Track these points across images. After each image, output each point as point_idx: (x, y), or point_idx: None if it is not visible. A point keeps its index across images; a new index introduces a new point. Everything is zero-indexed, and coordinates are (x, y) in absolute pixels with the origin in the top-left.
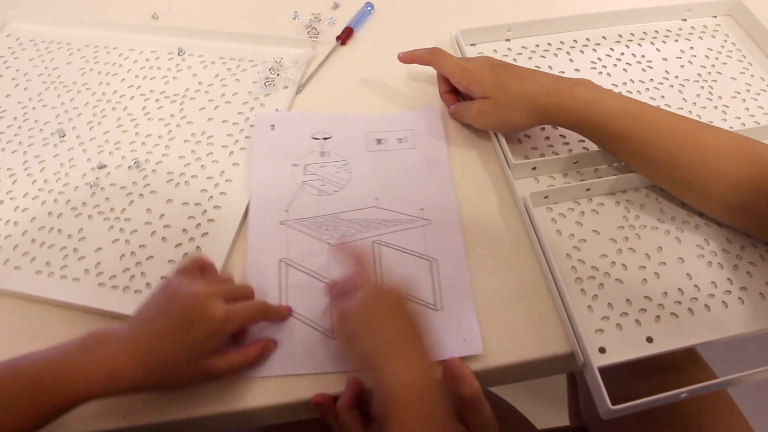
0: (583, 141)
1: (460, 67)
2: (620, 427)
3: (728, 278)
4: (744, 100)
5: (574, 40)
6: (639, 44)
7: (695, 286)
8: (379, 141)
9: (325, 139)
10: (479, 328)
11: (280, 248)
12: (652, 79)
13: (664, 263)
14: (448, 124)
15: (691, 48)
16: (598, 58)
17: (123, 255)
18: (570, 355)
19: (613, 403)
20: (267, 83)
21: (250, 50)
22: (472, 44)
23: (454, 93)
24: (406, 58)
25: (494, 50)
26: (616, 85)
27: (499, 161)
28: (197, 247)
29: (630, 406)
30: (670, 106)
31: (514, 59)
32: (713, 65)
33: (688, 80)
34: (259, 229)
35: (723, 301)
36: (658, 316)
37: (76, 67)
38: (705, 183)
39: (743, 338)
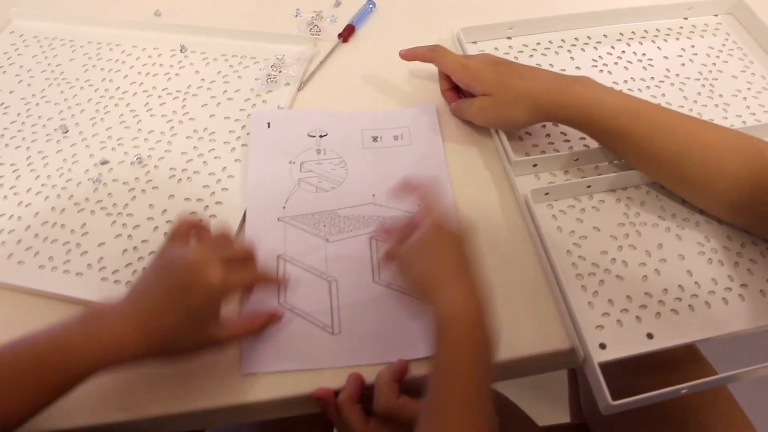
0: (584, 138)
1: (461, 64)
2: (621, 425)
3: (729, 275)
4: (745, 98)
5: (575, 39)
6: (640, 42)
7: (696, 282)
8: (375, 138)
9: (321, 136)
10: None
11: (278, 245)
12: (653, 78)
13: (665, 260)
14: (444, 121)
15: (692, 46)
16: (599, 56)
17: (125, 250)
18: (570, 350)
19: (614, 400)
20: (269, 80)
21: (252, 47)
22: (473, 42)
23: (455, 90)
24: (408, 55)
25: (495, 48)
26: (617, 84)
27: (500, 158)
28: None
29: (630, 401)
30: (670, 105)
31: (515, 57)
32: (714, 63)
33: (689, 78)
34: (257, 226)
35: (723, 298)
36: (658, 313)
37: (79, 64)
38: (706, 180)
39: (744, 335)
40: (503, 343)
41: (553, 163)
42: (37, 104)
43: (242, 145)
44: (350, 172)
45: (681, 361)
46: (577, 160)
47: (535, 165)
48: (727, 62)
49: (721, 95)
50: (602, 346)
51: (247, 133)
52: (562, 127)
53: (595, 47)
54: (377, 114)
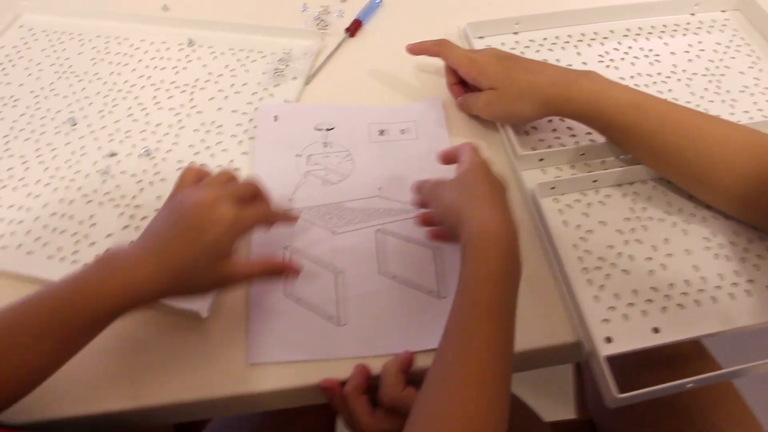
0: (591, 133)
1: (468, 58)
2: (627, 422)
3: (735, 270)
4: (752, 94)
5: (582, 34)
6: (647, 38)
7: (702, 277)
8: (381, 132)
9: (328, 130)
10: None
11: (284, 236)
12: (659, 73)
13: (671, 255)
14: (451, 115)
15: (699, 42)
16: (606, 52)
17: (133, 241)
18: (576, 344)
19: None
20: (276, 74)
21: (259, 42)
22: (480, 37)
23: (461, 84)
24: (415, 49)
25: (502, 43)
26: (624, 79)
27: (507, 152)
28: None
29: (636, 394)
30: (677, 100)
31: (521, 52)
32: (721, 59)
33: (695, 74)
34: None
35: (730, 293)
36: (664, 307)
37: (87, 58)
38: (712, 175)
39: (750, 331)
40: None
41: (559, 157)
42: (46, 97)
43: (249, 138)
44: (357, 166)
45: (687, 357)
46: (583, 154)
47: (541, 159)
48: (734, 58)
49: (728, 91)
50: (608, 340)
51: (255, 127)
52: (569, 122)
53: (601, 43)
54: (384, 108)
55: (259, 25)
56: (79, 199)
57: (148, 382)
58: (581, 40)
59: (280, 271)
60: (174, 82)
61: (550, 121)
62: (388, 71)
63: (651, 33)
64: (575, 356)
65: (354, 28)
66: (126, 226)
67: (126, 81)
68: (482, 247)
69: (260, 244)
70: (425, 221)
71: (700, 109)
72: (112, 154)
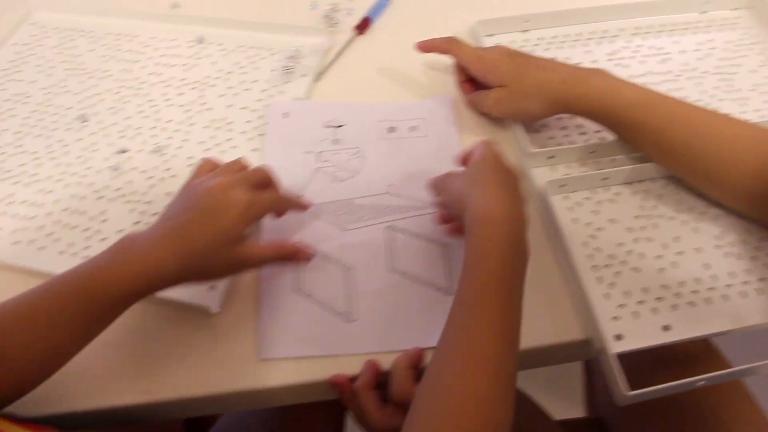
0: (601, 131)
1: (477, 56)
2: (637, 422)
3: (746, 269)
4: (763, 92)
5: (591, 32)
6: (656, 36)
7: (713, 276)
8: (391, 129)
9: (338, 127)
10: None
11: (294, 233)
12: (669, 71)
13: (682, 253)
14: (460, 113)
15: (710, 40)
16: (615, 50)
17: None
18: (586, 341)
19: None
20: (286, 71)
21: (269, 39)
22: (489, 35)
23: (471, 82)
24: (424, 47)
25: (511, 41)
26: (633, 77)
27: (516, 150)
28: None
29: (646, 392)
30: (687, 98)
31: (531, 50)
32: (732, 58)
33: (706, 72)
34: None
35: (741, 292)
36: (674, 305)
37: (98, 55)
38: (722, 172)
39: (761, 330)
40: None
41: (569, 155)
42: (57, 94)
43: (259, 135)
44: (366, 163)
45: (697, 357)
46: (593, 152)
47: (551, 157)
48: (745, 56)
49: (739, 89)
50: (618, 338)
51: (264, 124)
52: (579, 120)
53: (611, 41)
54: (393, 105)
55: (268, 22)
56: (90, 195)
57: (158, 376)
58: (591, 39)
59: (293, 255)
60: (184, 79)
61: (559, 118)
62: (398, 69)
63: (661, 31)
64: (585, 354)
65: (363, 26)
66: (137, 222)
67: (136, 78)
68: (484, 230)
69: (271, 240)
70: (443, 219)
71: (710, 107)
72: (123, 151)
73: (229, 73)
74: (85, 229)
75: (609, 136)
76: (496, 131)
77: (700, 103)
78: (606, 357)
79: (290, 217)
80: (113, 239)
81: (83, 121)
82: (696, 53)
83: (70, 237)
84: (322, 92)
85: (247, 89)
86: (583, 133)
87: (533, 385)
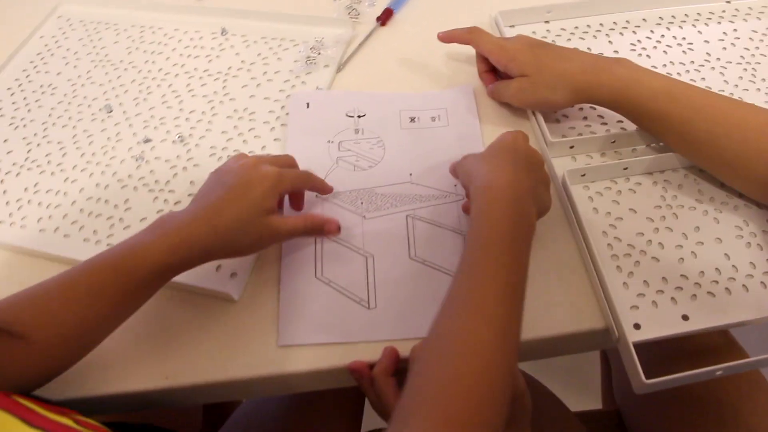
0: (622, 121)
1: (499, 46)
2: (654, 413)
3: (767, 259)
4: None
5: (614, 22)
6: (680, 26)
7: (733, 266)
8: (412, 119)
9: (360, 117)
10: None
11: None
12: (692, 61)
13: (702, 243)
14: (481, 103)
15: (735, 30)
16: (638, 40)
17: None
18: (605, 330)
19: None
20: (308, 62)
21: (291, 30)
22: (511, 26)
23: (492, 72)
24: (446, 37)
25: (533, 32)
26: (656, 67)
27: (537, 140)
28: None
29: (664, 380)
30: (711, 88)
31: (552, 41)
32: (757, 47)
33: (730, 62)
34: None
35: (762, 282)
36: (694, 295)
37: (123, 47)
38: (745, 162)
39: None
40: (538, 321)
41: (590, 144)
42: (82, 85)
43: (282, 125)
44: (388, 152)
45: (716, 348)
46: (614, 142)
47: (572, 147)
48: None
49: (763, 79)
50: (637, 327)
51: (287, 114)
52: (600, 110)
53: (634, 31)
54: (415, 95)
55: (291, 13)
56: (114, 184)
57: (179, 362)
58: (613, 29)
59: (322, 226)
60: (207, 70)
61: (581, 108)
62: (419, 59)
63: (684, 21)
64: (604, 343)
65: (385, 17)
66: (159, 210)
67: (160, 69)
68: (487, 196)
69: (290, 240)
70: (468, 208)
71: (734, 97)
72: (147, 141)
73: (252, 63)
74: (109, 217)
75: (630, 126)
76: (518, 121)
77: (723, 93)
78: (624, 346)
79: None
80: (136, 227)
81: (108, 112)
82: (720, 43)
83: (94, 225)
84: (344, 83)
85: (269, 80)
86: (605, 123)
87: (551, 377)
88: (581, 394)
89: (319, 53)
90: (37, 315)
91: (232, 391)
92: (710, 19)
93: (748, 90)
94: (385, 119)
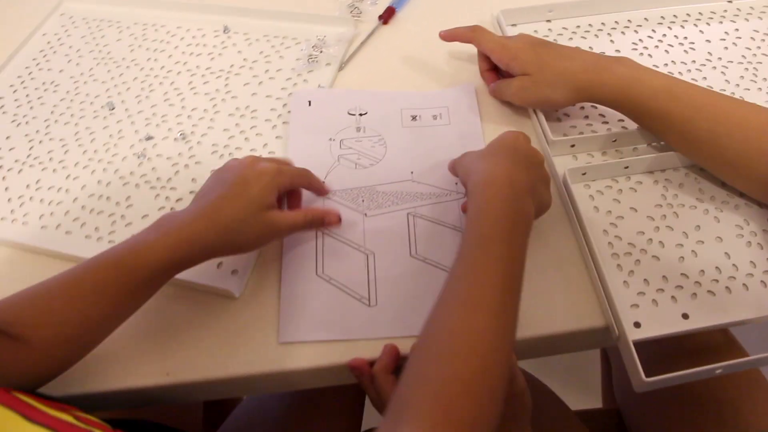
0: (623, 120)
1: (501, 44)
2: (654, 412)
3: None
4: None
5: (616, 22)
6: (682, 26)
7: (733, 265)
8: (414, 118)
9: (361, 115)
10: None
11: None
12: (694, 61)
13: (702, 242)
14: (483, 101)
15: (736, 30)
16: (640, 40)
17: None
18: (605, 328)
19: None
20: (310, 60)
21: (293, 28)
22: (513, 25)
23: (494, 71)
24: (447, 35)
25: (535, 31)
26: (658, 66)
27: (538, 138)
28: None
29: (664, 378)
30: (712, 88)
31: (554, 40)
32: (759, 47)
33: (731, 62)
34: None
35: (762, 281)
36: (694, 294)
37: (125, 44)
38: (746, 161)
39: None
40: (538, 319)
41: (591, 143)
42: (85, 82)
43: (283, 123)
44: (389, 150)
45: (716, 347)
46: (615, 141)
47: (573, 145)
48: None
49: (765, 79)
50: (637, 325)
51: (288, 111)
52: (601, 109)
53: (635, 30)
54: (417, 94)
55: (293, 11)
56: (116, 181)
57: (180, 359)
58: (615, 28)
59: (322, 218)
60: (209, 67)
61: (582, 107)
62: (421, 58)
63: (686, 20)
64: (604, 341)
65: (387, 16)
66: (161, 208)
67: (162, 67)
68: (484, 192)
69: (291, 237)
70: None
71: (735, 96)
72: (149, 138)
73: (254, 61)
74: (111, 215)
75: (631, 125)
76: (519, 120)
77: (724, 93)
78: (624, 344)
79: (311, 204)
80: (138, 224)
81: (110, 109)
82: (722, 42)
83: (96, 222)
84: (345, 81)
85: (271, 78)
86: (606, 122)
87: (552, 375)
88: (581, 393)
89: (321, 51)
90: (38, 315)
91: (232, 388)
92: (712, 18)
93: (749, 90)
94: (386, 117)
